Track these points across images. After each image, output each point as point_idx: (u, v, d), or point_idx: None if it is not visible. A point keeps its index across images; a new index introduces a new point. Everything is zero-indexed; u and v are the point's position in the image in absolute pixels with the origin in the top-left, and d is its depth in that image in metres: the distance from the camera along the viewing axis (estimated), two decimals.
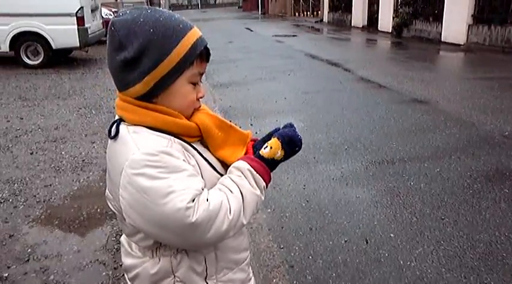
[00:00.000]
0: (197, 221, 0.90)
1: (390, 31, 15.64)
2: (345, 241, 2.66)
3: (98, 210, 3.03)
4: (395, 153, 4.03)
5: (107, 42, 0.98)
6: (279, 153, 1.04)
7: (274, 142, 1.05)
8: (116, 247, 2.58)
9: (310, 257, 2.53)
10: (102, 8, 12.43)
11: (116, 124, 0.99)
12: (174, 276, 1.03)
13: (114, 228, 2.79)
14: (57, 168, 3.77)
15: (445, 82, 7.01)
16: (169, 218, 0.90)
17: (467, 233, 2.71)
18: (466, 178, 3.47)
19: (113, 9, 13.23)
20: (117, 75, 0.98)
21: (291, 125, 1.10)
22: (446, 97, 5.94)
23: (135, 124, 0.97)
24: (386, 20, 16.02)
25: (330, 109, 5.58)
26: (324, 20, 22.56)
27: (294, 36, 15.30)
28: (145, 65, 0.94)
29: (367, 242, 2.64)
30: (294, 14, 29.39)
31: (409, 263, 2.44)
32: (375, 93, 6.39)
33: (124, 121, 0.99)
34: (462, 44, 11.67)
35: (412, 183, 3.41)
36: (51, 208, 3.09)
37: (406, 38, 14.40)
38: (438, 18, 13.02)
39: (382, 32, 16.19)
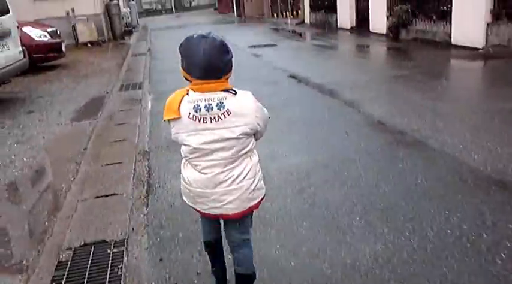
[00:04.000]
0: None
1: (385, 32, 13.37)
2: None
3: None
4: None
5: (214, 51, 1.79)
6: None
7: None
8: None
9: None
10: (27, 29, 9.93)
11: (228, 91, 1.85)
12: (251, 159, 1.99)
13: None
14: None
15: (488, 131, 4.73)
16: (268, 118, 2.01)
17: None
18: None
19: (49, 29, 10.66)
20: (223, 67, 1.83)
21: None
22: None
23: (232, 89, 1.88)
24: (379, 20, 13.74)
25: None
26: (305, 21, 20.22)
27: (273, 45, 12.93)
28: (231, 63, 1.88)
29: None
30: (272, 15, 27.00)
31: None
32: (407, 156, 4.07)
33: (228, 90, 1.85)
34: (481, 47, 9.43)
35: None
36: None
37: (405, 40, 12.14)
38: (445, 15, 10.77)
39: (375, 33, 13.91)
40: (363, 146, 4.36)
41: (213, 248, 2.27)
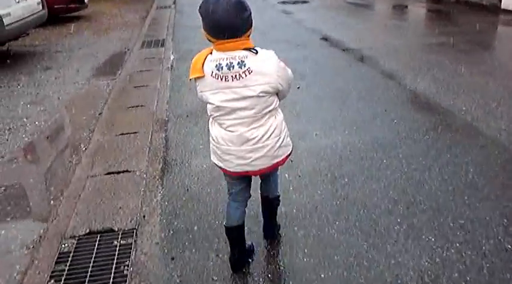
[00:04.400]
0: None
1: None
2: None
3: None
4: None
5: (230, 9, 1.77)
6: None
7: None
8: None
9: None
10: None
11: (250, 50, 1.84)
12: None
13: None
14: None
15: None
16: (291, 78, 2.00)
17: None
18: None
19: None
20: (242, 25, 1.83)
21: None
22: None
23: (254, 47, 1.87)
24: None
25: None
26: None
27: (305, 2, 12.13)
28: (251, 20, 1.86)
29: None
30: None
31: None
32: (456, 144, 3.59)
33: (250, 48, 1.85)
34: None
35: None
36: None
37: (447, 2, 11.18)
38: None
39: None
40: (404, 128, 3.88)
41: (235, 234, 2.25)
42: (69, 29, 9.45)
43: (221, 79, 1.86)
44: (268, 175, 2.23)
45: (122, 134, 4.04)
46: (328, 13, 10.45)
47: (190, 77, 1.93)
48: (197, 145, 3.77)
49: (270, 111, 1.94)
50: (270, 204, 2.41)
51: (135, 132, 4.06)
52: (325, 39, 7.55)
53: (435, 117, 4.09)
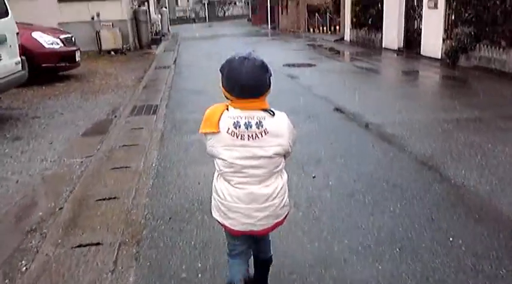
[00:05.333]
0: None
1: (440, 57, 11.77)
2: None
3: None
4: None
5: (255, 72, 1.87)
6: None
7: None
8: None
9: None
10: (37, 35, 8.81)
11: (267, 111, 1.91)
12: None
13: None
14: None
15: None
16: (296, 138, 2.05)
17: None
18: None
19: (63, 35, 9.51)
20: (264, 87, 1.91)
21: None
22: None
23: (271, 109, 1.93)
24: (433, 43, 12.15)
25: None
26: (345, 38, 18.74)
27: (311, 65, 11.49)
28: (270, 81, 1.94)
29: None
30: (308, 30, 25.65)
31: None
32: None
33: (266, 110, 1.91)
34: None
35: None
36: None
37: (464, 68, 10.53)
38: None
39: (426, 58, 12.32)
40: (466, 253, 2.82)
41: None
42: (55, 90, 8.67)
43: (237, 137, 1.89)
44: (264, 236, 2.22)
45: (80, 246, 2.99)
46: (336, 78, 9.75)
47: (203, 131, 1.93)
48: (178, 269, 2.71)
49: (277, 171, 1.98)
50: (264, 265, 2.36)
51: (98, 244, 3.01)
52: (338, 110, 6.68)
53: (505, 233, 3.04)
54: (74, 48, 9.75)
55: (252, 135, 1.87)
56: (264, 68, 1.89)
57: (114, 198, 3.74)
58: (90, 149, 5.13)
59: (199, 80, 9.64)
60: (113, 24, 15.15)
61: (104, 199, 3.71)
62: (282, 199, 2.01)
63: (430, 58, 12.16)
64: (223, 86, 1.92)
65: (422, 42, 12.80)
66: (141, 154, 4.84)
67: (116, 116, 6.68)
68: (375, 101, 7.29)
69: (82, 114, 6.83)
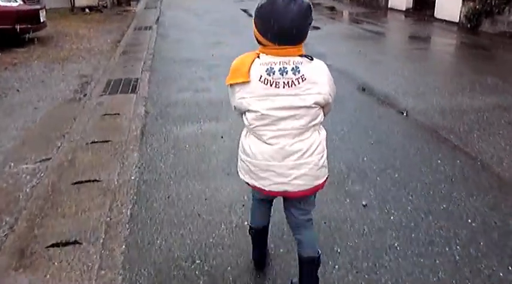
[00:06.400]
0: None
1: (457, 21, 10.46)
2: None
3: None
4: None
5: (300, 16, 1.59)
6: None
7: None
8: None
9: None
10: None
11: (305, 56, 1.66)
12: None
13: None
14: None
15: None
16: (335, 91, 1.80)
17: None
18: None
19: None
20: (306, 32, 1.65)
21: None
22: None
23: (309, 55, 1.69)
24: (449, 4, 10.78)
25: None
26: None
27: (316, 28, 10.03)
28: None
29: None
30: None
31: None
32: None
33: (305, 55, 1.67)
34: None
35: None
36: None
37: (487, 34, 9.29)
38: None
39: (441, 20, 11.00)
40: None
41: (259, 235, 2.19)
42: (14, 57, 7.16)
43: (271, 85, 1.66)
44: (303, 223, 1.94)
45: None
46: (348, 45, 8.40)
47: (232, 82, 1.70)
48: None
49: (314, 125, 1.75)
50: (310, 264, 1.99)
51: None
52: (364, 89, 5.42)
53: None
54: (38, 7, 8.14)
55: (288, 82, 1.66)
56: (309, 12, 1.64)
57: (75, 242, 2.52)
58: (48, 147, 3.84)
59: (189, 45, 8.19)
60: None
61: (59, 245, 2.48)
62: (321, 157, 1.79)
63: (445, 21, 10.83)
64: (256, 28, 1.68)
65: (436, 2, 11.41)
66: (115, 158, 3.57)
67: (85, 95, 5.33)
68: (402, 77, 6.02)
69: (43, 91, 5.45)
